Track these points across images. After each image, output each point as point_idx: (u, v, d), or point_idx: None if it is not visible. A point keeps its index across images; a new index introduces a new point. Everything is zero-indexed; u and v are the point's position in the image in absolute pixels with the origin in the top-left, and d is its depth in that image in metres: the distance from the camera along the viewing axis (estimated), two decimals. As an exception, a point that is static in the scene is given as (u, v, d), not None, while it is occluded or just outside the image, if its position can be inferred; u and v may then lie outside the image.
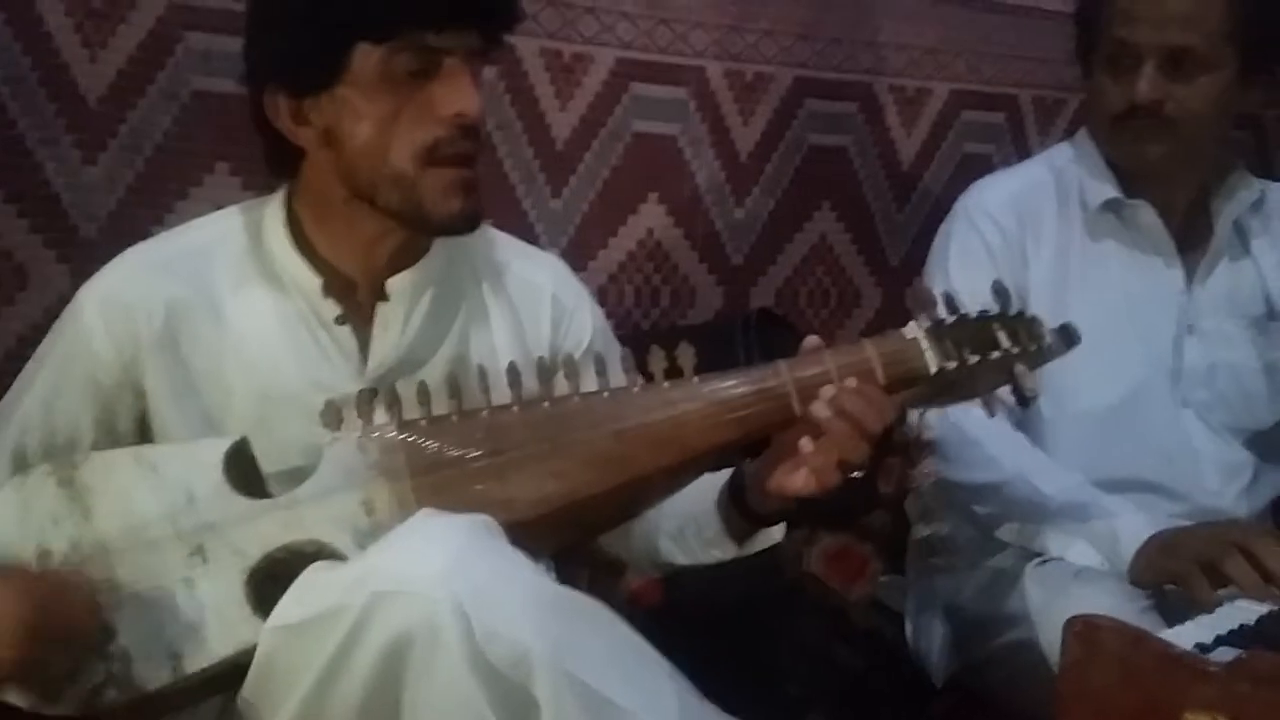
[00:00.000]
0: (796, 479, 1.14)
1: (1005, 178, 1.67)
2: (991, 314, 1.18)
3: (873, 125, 2.20)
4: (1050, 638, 1.30)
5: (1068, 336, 1.21)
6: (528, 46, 1.84)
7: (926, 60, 2.23)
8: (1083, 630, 0.99)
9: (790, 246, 2.16)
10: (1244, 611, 1.19)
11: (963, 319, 1.17)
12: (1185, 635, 1.08)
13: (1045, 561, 1.45)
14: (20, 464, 1.18)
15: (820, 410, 1.11)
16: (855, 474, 1.14)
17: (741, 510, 1.22)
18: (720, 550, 1.25)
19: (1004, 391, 1.21)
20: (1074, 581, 1.41)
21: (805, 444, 1.12)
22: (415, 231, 1.19)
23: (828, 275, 2.21)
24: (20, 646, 0.95)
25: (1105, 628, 0.99)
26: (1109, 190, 1.57)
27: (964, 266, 1.55)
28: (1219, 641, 1.08)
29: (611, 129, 1.94)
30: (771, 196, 2.12)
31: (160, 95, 1.59)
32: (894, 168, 2.24)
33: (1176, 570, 1.33)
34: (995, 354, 1.16)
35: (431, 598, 0.96)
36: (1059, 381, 1.52)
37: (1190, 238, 1.59)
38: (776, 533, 1.25)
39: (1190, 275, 1.58)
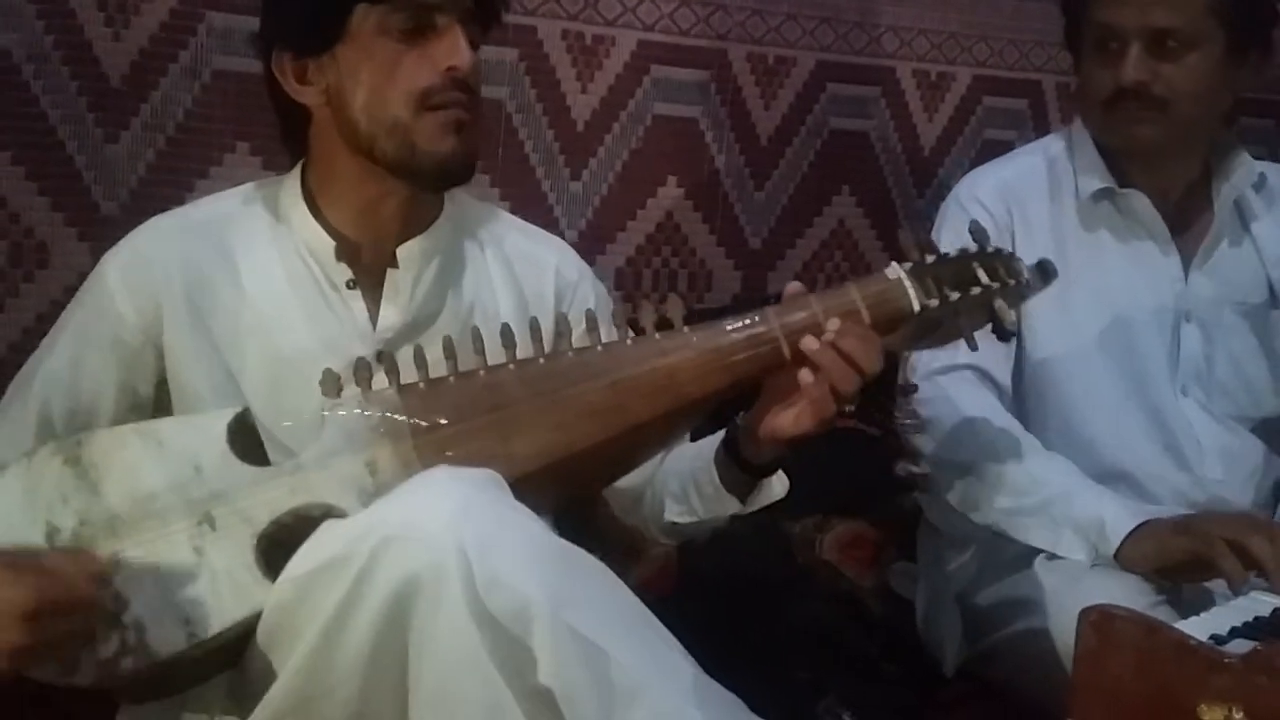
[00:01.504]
0: (786, 418, 1.17)
1: (998, 166, 1.66)
2: (970, 251, 1.21)
3: (894, 110, 2.19)
4: (1063, 627, 1.29)
5: (1044, 272, 1.24)
6: (549, 28, 1.83)
7: (949, 45, 2.21)
8: (1098, 620, 0.99)
9: (809, 231, 2.15)
10: (1259, 604, 1.19)
11: (943, 258, 1.20)
12: (1200, 627, 1.08)
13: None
14: (45, 424, 1.20)
15: (810, 344, 1.14)
16: (847, 408, 1.15)
17: (738, 462, 1.24)
18: (721, 506, 1.27)
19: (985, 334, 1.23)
20: (1088, 572, 1.41)
21: (805, 375, 1.14)
22: (411, 182, 1.21)
23: (846, 260, 2.20)
24: (22, 633, 0.95)
25: (1121, 618, 0.99)
26: (1101, 180, 1.56)
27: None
28: (1234, 633, 1.08)
29: (632, 111, 1.93)
30: (791, 181, 2.11)
31: (182, 74, 1.60)
32: (915, 153, 2.23)
33: (1199, 549, 1.32)
34: (976, 289, 1.19)
35: (437, 542, 0.97)
36: (1058, 372, 1.52)
37: (1187, 222, 1.58)
38: (779, 488, 1.27)
39: (1187, 261, 1.57)
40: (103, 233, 1.54)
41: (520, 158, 1.84)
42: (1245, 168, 1.58)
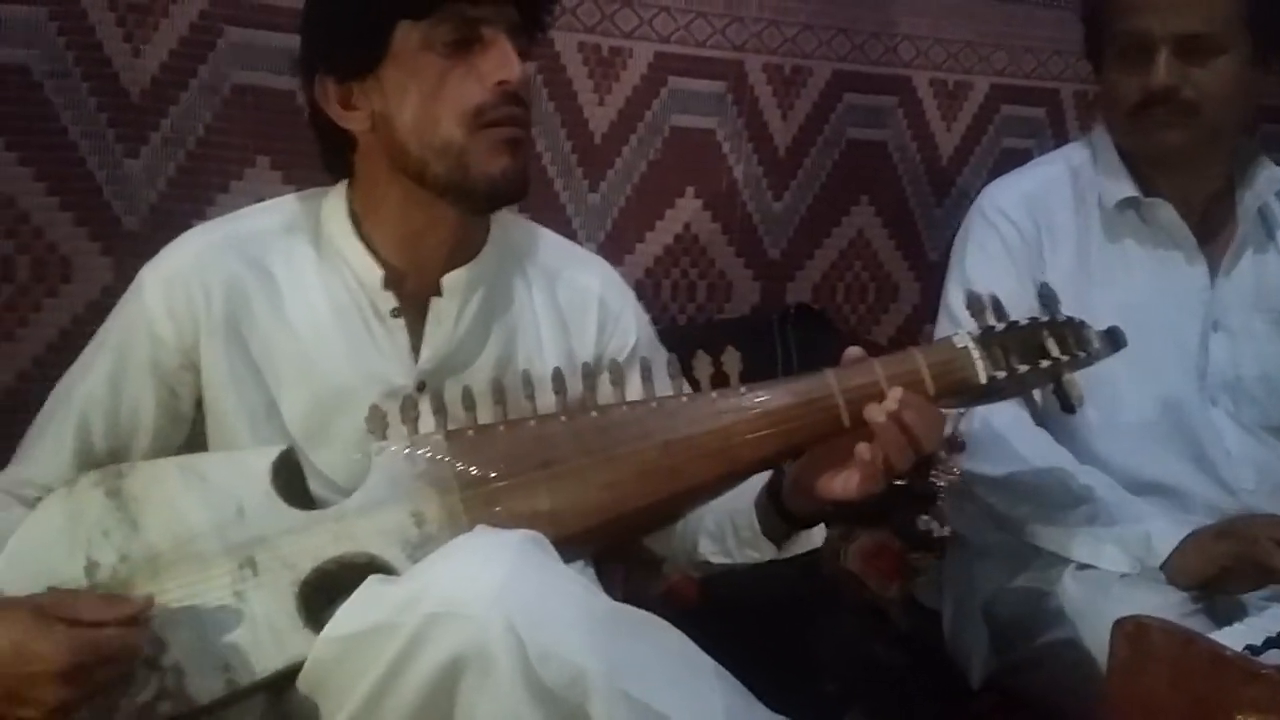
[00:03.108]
0: (837, 482, 1.13)
1: (1020, 177, 1.65)
2: (1041, 321, 1.17)
3: (912, 119, 2.18)
4: (1094, 638, 1.29)
5: (1113, 340, 1.19)
6: (566, 40, 1.83)
7: (966, 54, 2.21)
8: (1133, 631, 0.98)
9: (828, 241, 2.14)
10: (1294, 614, 1.18)
11: (1012, 326, 1.16)
12: (1234, 637, 1.07)
13: (1087, 564, 1.44)
14: (84, 441, 1.19)
15: (875, 415, 1.10)
16: (899, 481, 1.13)
17: (779, 511, 1.21)
18: (757, 551, 1.24)
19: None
20: (1118, 582, 1.40)
21: (860, 447, 1.11)
22: (462, 204, 1.18)
23: (865, 270, 2.19)
24: (59, 691, 0.95)
25: (1155, 629, 0.98)
26: (1125, 189, 1.55)
27: (982, 265, 1.54)
28: (1269, 644, 1.06)
29: (649, 123, 1.93)
30: (809, 191, 2.11)
31: (201, 89, 1.60)
32: (933, 162, 2.22)
33: (1246, 551, 1.31)
34: (1045, 362, 1.15)
35: (484, 620, 0.95)
36: (1087, 383, 1.51)
37: (1212, 230, 1.57)
38: (817, 537, 1.25)
39: (1214, 269, 1.56)
40: (125, 247, 1.54)
41: (538, 170, 1.84)
42: (1268, 175, 1.58)
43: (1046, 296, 1.19)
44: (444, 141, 1.14)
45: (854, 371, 1.14)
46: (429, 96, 1.14)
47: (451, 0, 1.13)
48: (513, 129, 1.15)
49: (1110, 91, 1.54)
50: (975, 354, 1.14)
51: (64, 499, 1.10)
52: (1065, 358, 1.15)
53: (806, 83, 2.06)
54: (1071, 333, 1.17)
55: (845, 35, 2.08)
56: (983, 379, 1.13)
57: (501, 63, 1.14)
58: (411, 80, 1.14)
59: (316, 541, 1.08)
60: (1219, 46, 1.47)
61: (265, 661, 1.04)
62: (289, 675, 1.04)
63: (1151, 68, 1.47)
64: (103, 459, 1.18)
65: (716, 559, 1.28)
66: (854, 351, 1.16)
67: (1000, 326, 1.15)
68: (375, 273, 1.20)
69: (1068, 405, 1.18)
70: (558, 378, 1.15)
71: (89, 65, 1.53)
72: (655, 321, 1.42)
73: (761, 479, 1.23)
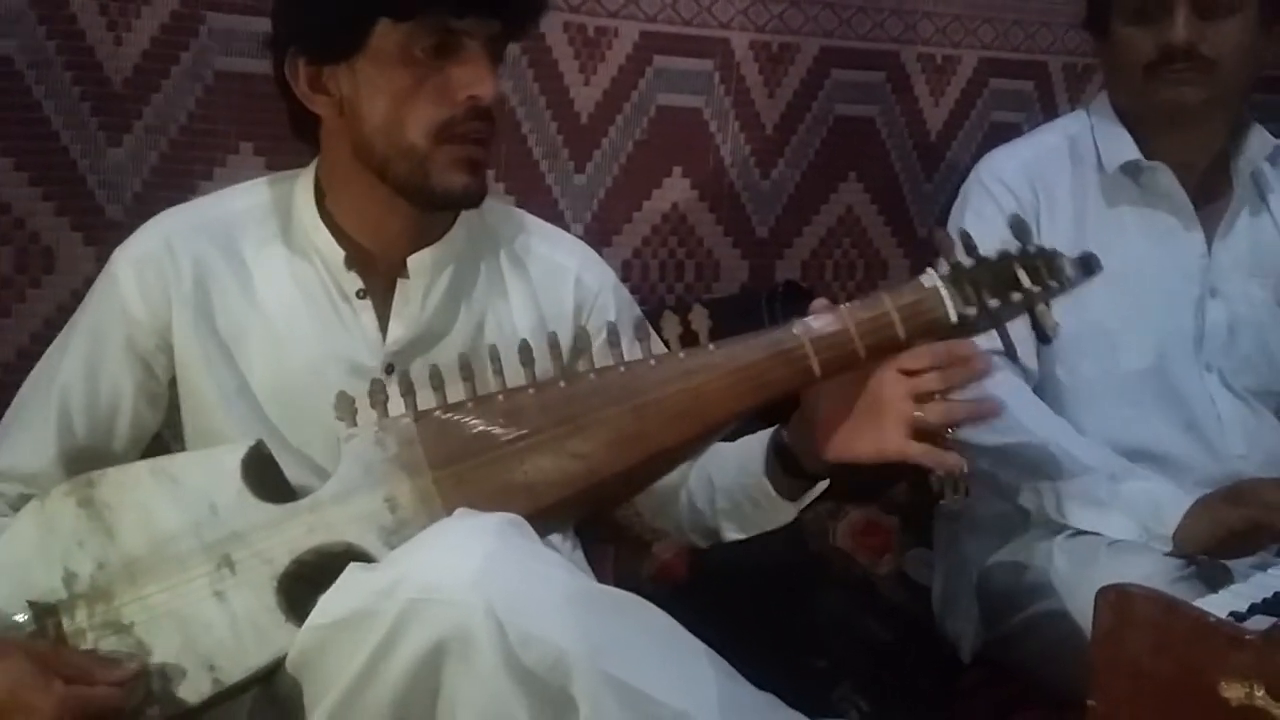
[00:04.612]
0: (864, 444, 1.13)
1: (1018, 146, 1.65)
2: (1011, 253, 1.16)
3: (900, 94, 2.18)
4: (1081, 608, 1.29)
5: (1087, 265, 1.18)
6: (551, 20, 1.82)
7: (954, 28, 2.20)
8: (1116, 599, 0.98)
9: (817, 219, 2.14)
10: (1277, 580, 1.18)
11: (982, 261, 1.15)
12: (1219, 604, 1.07)
13: (1076, 534, 1.44)
14: (65, 424, 1.19)
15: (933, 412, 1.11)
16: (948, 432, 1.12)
17: (790, 470, 1.21)
18: (779, 514, 1.24)
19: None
20: (1105, 551, 1.40)
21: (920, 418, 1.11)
22: (417, 205, 1.19)
23: (855, 247, 2.19)
24: None
25: (1139, 596, 0.98)
26: (1127, 152, 1.54)
27: (979, 233, 1.53)
28: (1253, 610, 1.07)
29: (636, 102, 1.92)
30: (797, 168, 2.10)
31: (184, 76, 1.60)
32: (922, 137, 2.21)
33: (1261, 517, 1.32)
34: (1017, 295, 1.14)
35: (464, 605, 0.96)
36: (1080, 349, 1.51)
37: (1208, 196, 1.57)
38: (823, 482, 1.25)
39: (1210, 235, 1.56)
40: (108, 237, 1.53)
41: (524, 151, 1.84)
42: (1260, 139, 1.58)
43: (1018, 228, 1.17)
44: (409, 146, 1.14)
45: (822, 320, 1.13)
46: (401, 100, 1.13)
47: (436, 7, 1.12)
48: (476, 148, 1.16)
49: (1122, 51, 1.53)
50: (944, 292, 1.13)
51: (36, 513, 1.10)
52: (1037, 288, 1.14)
53: (794, 59, 2.05)
54: (1043, 262, 1.16)
55: (832, 10, 2.07)
56: (953, 318, 1.13)
57: (476, 78, 1.14)
58: (385, 81, 1.14)
59: (292, 534, 1.08)
60: (1233, 5, 1.47)
61: (251, 658, 1.05)
62: (275, 669, 1.05)
63: (1168, 24, 1.46)
64: (83, 443, 1.19)
65: (741, 534, 1.28)
66: (821, 302, 1.16)
67: (970, 263, 1.15)
68: (337, 253, 1.20)
69: (1043, 336, 1.17)
70: (524, 349, 1.14)
71: (71, 54, 1.52)
72: (643, 303, 1.42)
73: (759, 442, 1.23)
